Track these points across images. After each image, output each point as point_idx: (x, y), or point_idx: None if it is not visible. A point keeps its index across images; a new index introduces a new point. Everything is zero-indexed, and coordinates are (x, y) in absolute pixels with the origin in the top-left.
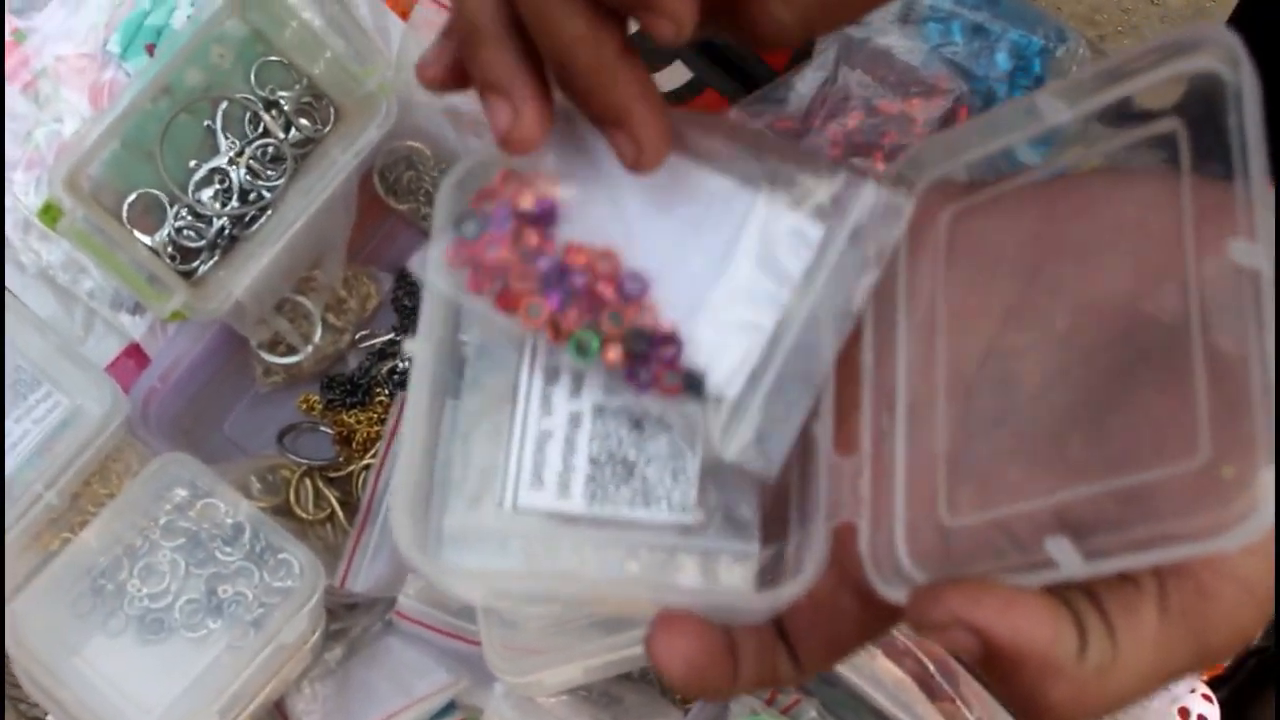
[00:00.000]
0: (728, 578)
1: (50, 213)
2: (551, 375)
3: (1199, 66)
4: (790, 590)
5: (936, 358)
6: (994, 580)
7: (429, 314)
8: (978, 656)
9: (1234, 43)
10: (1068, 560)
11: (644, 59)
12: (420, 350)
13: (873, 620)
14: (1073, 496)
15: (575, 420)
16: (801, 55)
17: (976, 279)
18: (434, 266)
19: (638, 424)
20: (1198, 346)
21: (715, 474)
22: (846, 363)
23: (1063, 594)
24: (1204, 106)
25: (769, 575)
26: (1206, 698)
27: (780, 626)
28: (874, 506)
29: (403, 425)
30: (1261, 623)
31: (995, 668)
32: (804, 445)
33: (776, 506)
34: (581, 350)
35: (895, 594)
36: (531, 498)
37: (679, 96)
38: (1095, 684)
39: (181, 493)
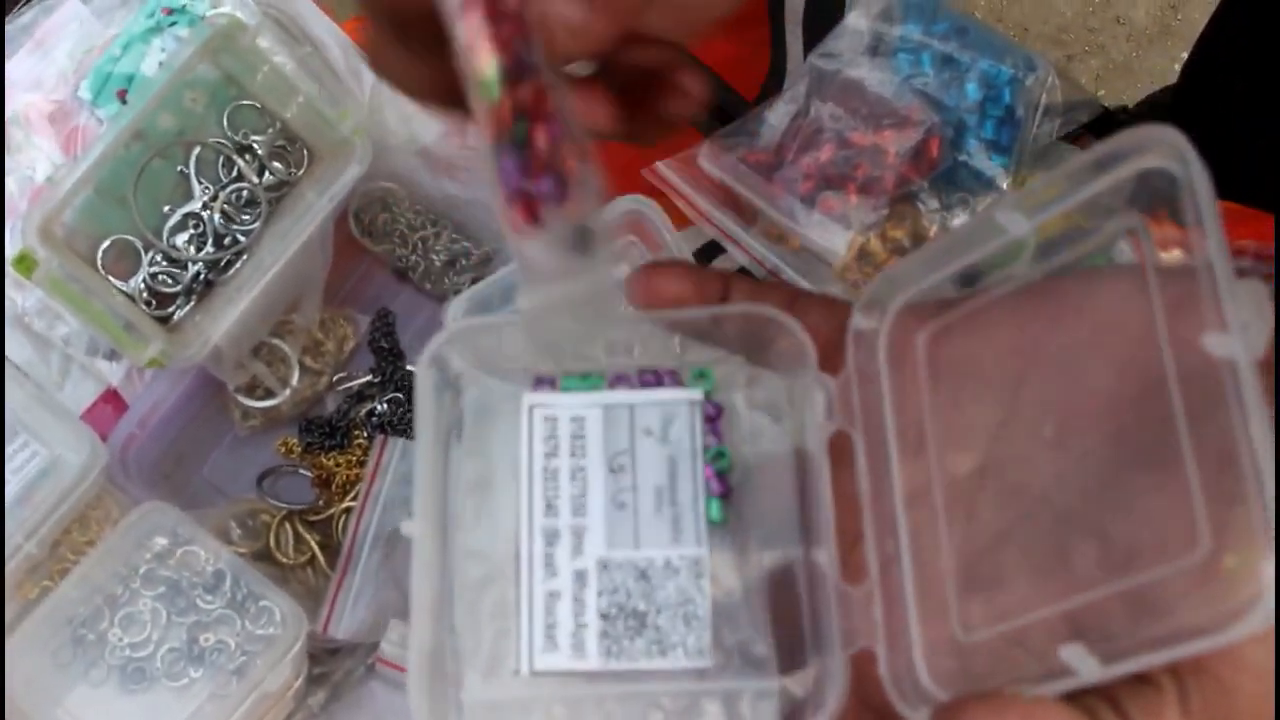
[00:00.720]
0: (752, 717)
1: (25, 262)
2: (551, 537)
3: (1150, 165)
4: None
5: (932, 478)
6: (1015, 692)
7: (422, 489)
8: None
9: (1180, 140)
10: (1084, 666)
11: None
12: (419, 528)
13: None
14: (1082, 602)
15: (581, 578)
16: (772, 87)
17: (961, 396)
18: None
19: (644, 574)
20: (1187, 441)
21: (727, 614)
22: (843, 493)
23: (1085, 701)
24: (1160, 201)
25: (792, 709)
26: None
27: None
28: (889, 631)
29: (412, 599)
30: None
31: None
32: (811, 576)
33: (791, 637)
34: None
35: (919, 715)
36: (547, 660)
37: None
38: None
39: (162, 541)
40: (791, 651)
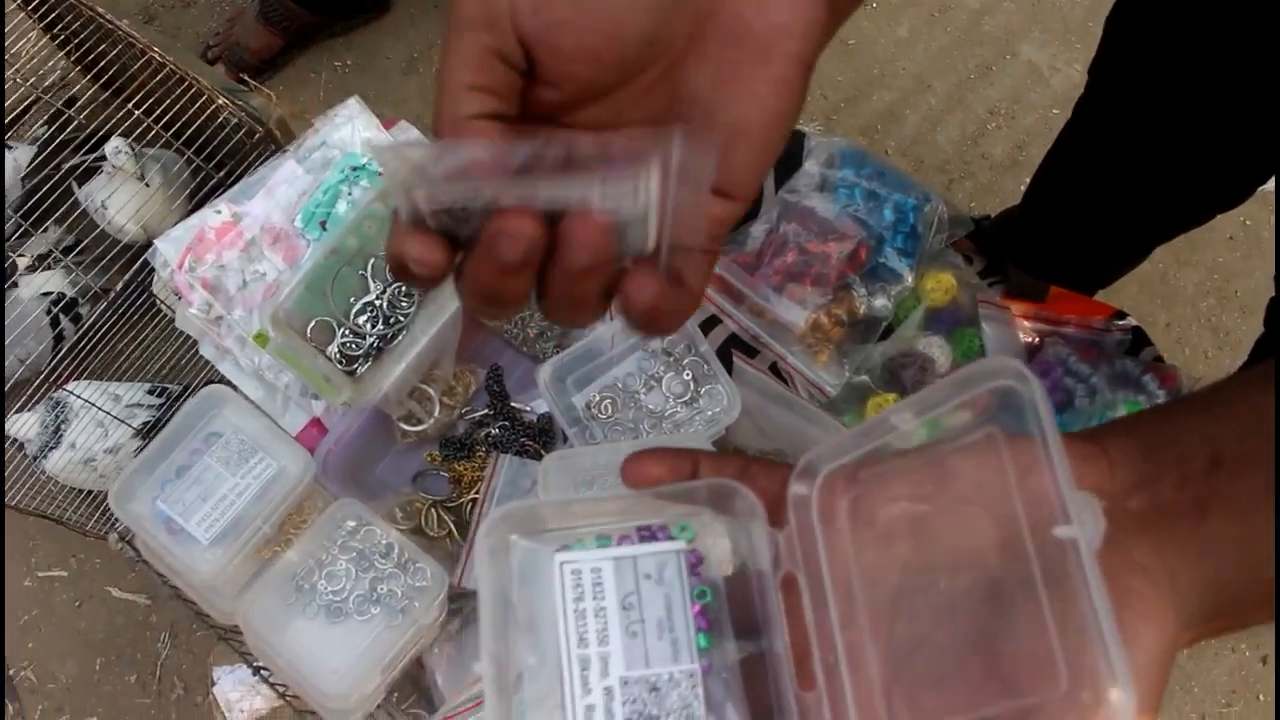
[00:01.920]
0: None
1: (260, 338)
2: (584, 662)
3: (1001, 385)
4: None
5: (857, 608)
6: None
7: (487, 630)
8: None
9: (1021, 368)
10: None
11: None
12: (487, 670)
13: None
14: (984, 714)
15: (609, 693)
16: (753, 213)
17: (877, 544)
18: None
19: (654, 687)
20: (1044, 596)
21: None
22: (795, 617)
23: None
24: (1011, 410)
25: None
26: None
27: None
28: None
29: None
30: None
31: None
32: (776, 682)
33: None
34: None
35: None
36: None
37: None
38: None
39: (351, 523)
40: None
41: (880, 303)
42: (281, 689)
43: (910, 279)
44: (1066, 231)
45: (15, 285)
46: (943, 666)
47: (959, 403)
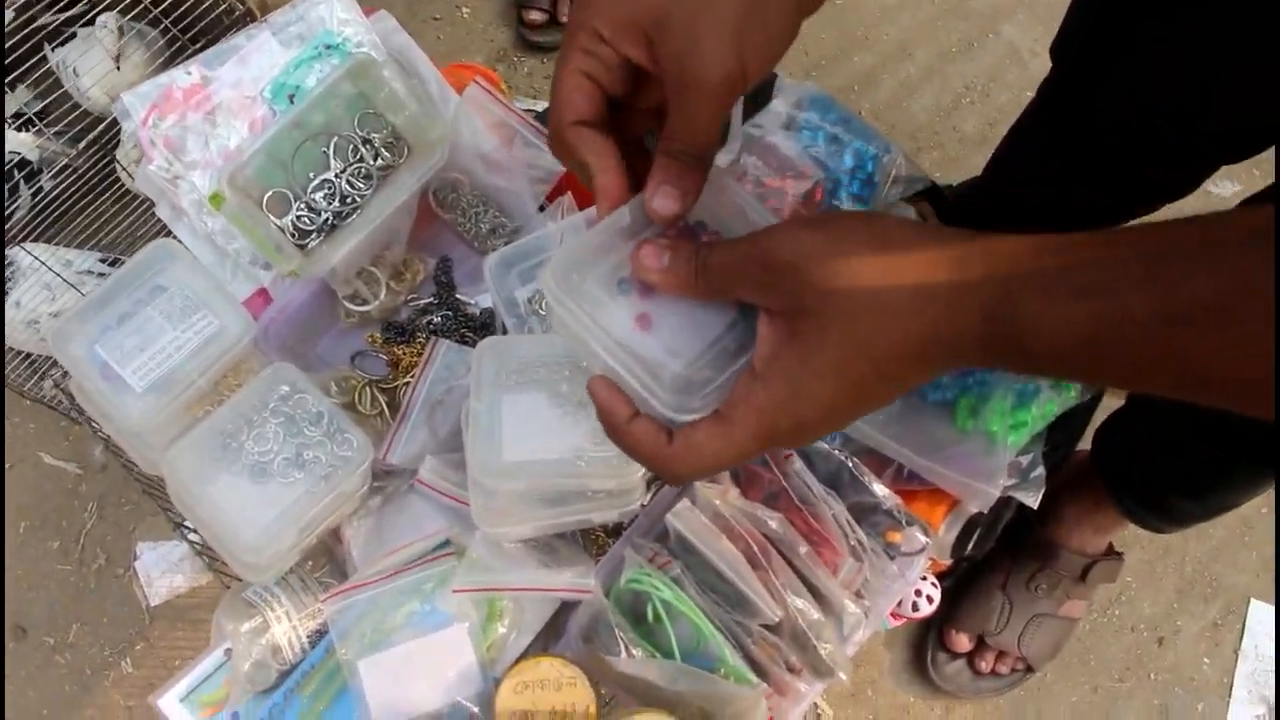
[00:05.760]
0: None
1: (215, 199)
2: None
3: None
4: None
5: None
6: None
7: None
8: None
9: None
10: None
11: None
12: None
13: None
14: None
15: None
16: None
17: None
18: None
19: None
20: None
21: None
22: None
23: None
24: None
25: None
26: (934, 584)
27: None
28: None
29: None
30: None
31: None
32: None
33: None
34: None
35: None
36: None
37: None
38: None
39: (284, 388)
40: None
41: None
42: (199, 546)
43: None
44: (1019, 210)
45: None
46: None
47: None
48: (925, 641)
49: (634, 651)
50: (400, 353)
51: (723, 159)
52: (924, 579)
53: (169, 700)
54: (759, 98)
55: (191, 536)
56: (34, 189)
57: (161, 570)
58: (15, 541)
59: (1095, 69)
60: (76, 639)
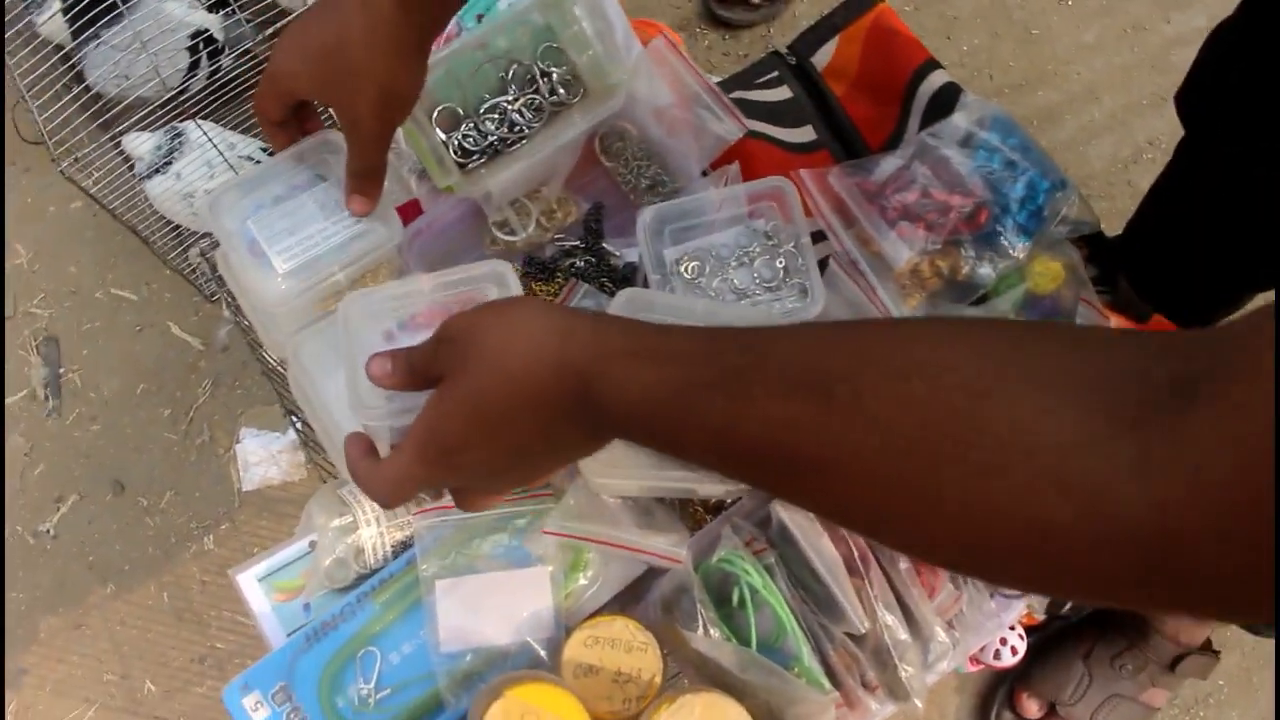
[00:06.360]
0: None
1: None
2: None
3: None
4: None
5: None
6: None
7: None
8: None
9: None
10: None
11: (783, 120)
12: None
13: None
14: None
15: None
16: (890, 145)
17: None
18: None
19: None
20: None
21: None
22: None
23: None
24: None
25: None
26: (1020, 637)
27: None
28: None
29: None
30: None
31: None
32: None
33: None
34: None
35: None
36: None
37: (804, 148)
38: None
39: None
40: None
41: (985, 270)
42: (305, 436)
43: (1021, 256)
44: (1171, 265)
45: None
46: None
47: None
48: (994, 695)
49: (712, 631)
50: (537, 289)
51: (890, 162)
52: (1012, 628)
53: (247, 577)
54: (939, 109)
55: (299, 426)
56: (214, 66)
57: (259, 458)
58: (131, 401)
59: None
60: (168, 506)
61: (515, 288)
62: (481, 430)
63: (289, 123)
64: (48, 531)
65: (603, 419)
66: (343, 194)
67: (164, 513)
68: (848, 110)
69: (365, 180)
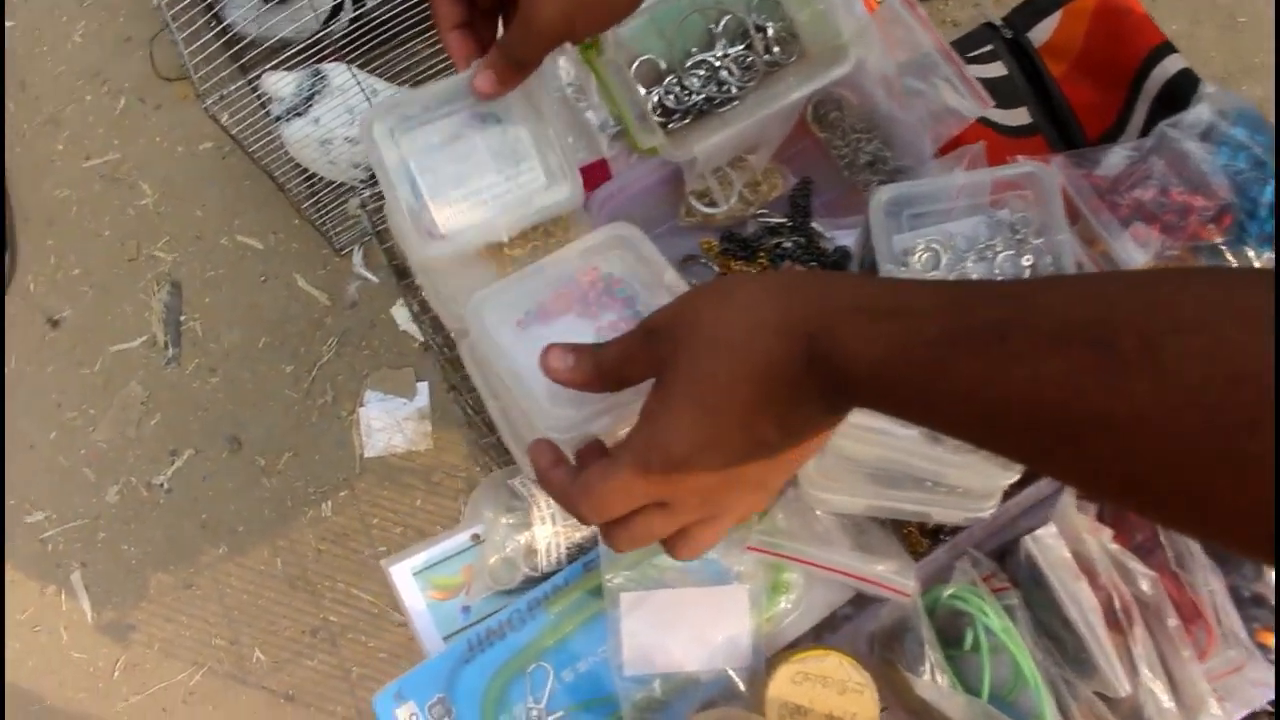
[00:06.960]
0: None
1: (591, 49)
2: None
3: None
4: None
5: None
6: None
7: None
8: None
9: None
10: None
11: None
12: None
13: None
14: None
15: None
16: (1110, 136)
17: None
18: None
19: None
20: None
21: None
22: None
23: None
24: None
25: None
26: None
27: None
28: None
29: None
30: None
31: None
32: None
33: None
34: None
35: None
36: None
37: (1018, 131)
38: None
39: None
40: None
41: None
42: (471, 414)
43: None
44: None
45: None
46: None
47: None
48: None
49: (939, 677)
50: (737, 268)
51: (1120, 154)
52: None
53: (402, 569)
54: (1174, 100)
55: (467, 408)
56: (358, 8)
57: (383, 424)
58: (252, 354)
59: None
60: (286, 467)
61: (647, 248)
62: (710, 423)
63: (469, 28)
64: (162, 485)
65: (841, 384)
66: (507, 121)
67: (281, 474)
68: (1066, 93)
69: (508, 67)
